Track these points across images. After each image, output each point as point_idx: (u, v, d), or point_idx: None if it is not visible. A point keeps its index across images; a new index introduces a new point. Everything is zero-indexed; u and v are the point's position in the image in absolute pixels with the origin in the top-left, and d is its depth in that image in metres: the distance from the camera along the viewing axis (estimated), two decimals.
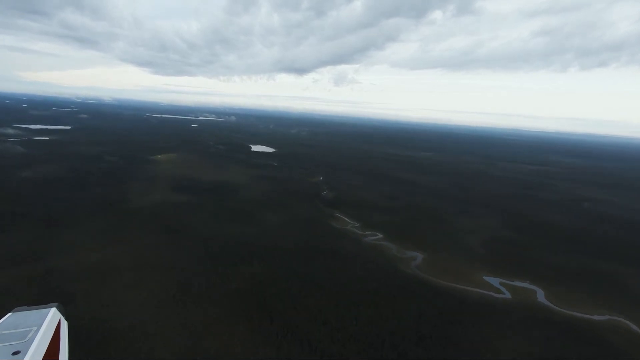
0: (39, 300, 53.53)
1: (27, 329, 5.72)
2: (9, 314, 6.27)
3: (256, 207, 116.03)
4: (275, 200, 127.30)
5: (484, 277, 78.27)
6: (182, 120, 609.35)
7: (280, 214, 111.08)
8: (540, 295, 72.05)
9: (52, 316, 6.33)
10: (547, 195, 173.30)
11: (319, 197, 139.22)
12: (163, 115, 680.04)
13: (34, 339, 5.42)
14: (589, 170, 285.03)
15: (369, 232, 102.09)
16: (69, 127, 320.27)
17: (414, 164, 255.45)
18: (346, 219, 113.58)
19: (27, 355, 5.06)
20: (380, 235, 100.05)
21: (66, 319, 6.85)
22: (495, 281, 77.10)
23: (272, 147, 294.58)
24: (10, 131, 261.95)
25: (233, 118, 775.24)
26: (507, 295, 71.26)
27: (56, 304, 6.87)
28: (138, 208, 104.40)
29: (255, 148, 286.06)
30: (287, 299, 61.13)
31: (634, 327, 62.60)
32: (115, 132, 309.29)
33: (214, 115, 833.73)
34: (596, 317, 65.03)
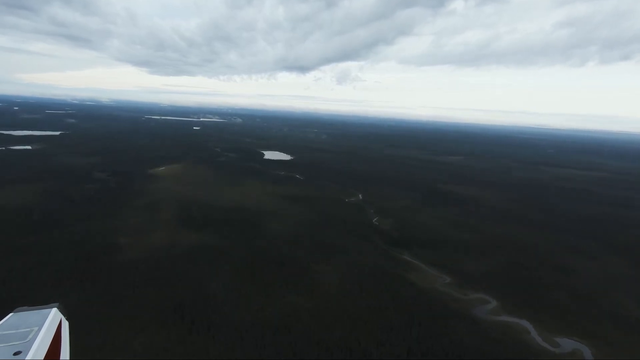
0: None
1: (28, 329, 5.56)
2: (10, 314, 6.03)
3: (298, 251, 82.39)
4: (318, 237, 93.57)
5: None
6: (184, 122, 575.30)
7: (334, 263, 77.53)
8: None
9: (53, 316, 6.12)
10: None
11: (372, 228, 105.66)
12: (163, 117, 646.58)
13: (35, 339, 5.28)
14: None
15: (473, 296, 68.76)
16: (57, 133, 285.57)
17: (454, 172, 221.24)
18: (426, 267, 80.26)
19: (28, 355, 4.93)
20: (493, 302, 66.71)
21: (67, 319, 6.46)
22: None
23: (287, 154, 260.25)
24: None
25: (239, 120, 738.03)
26: None
27: (57, 304, 6.52)
28: (130, 263, 70.80)
29: (269, 155, 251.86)
30: None
31: None
32: (111, 137, 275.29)
33: (217, 117, 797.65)
34: None
